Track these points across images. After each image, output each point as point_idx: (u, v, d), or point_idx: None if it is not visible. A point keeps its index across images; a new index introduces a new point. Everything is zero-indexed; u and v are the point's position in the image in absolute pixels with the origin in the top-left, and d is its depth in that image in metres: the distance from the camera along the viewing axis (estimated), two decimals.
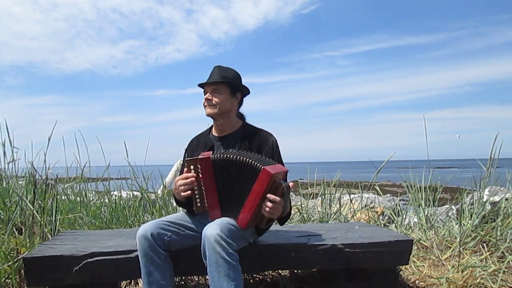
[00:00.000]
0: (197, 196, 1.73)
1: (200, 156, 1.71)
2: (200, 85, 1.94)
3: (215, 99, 1.87)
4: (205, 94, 1.90)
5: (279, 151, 1.91)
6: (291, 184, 1.65)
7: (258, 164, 1.62)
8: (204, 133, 2.04)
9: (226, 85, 1.89)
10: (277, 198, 1.59)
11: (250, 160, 1.64)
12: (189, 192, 1.71)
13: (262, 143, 1.88)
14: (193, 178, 1.70)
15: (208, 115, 1.90)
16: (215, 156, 1.70)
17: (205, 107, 1.90)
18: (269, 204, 1.59)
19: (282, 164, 1.87)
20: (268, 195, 1.60)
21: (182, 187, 1.71)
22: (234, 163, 1.67)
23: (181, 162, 2.07)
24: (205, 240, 1.54)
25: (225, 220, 1.64)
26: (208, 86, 1.90)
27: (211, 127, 2.02)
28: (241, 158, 1.66)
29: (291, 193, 1.69)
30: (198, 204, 1.74)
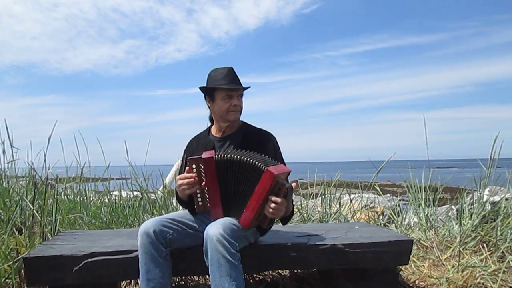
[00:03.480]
0: (198, 195, 1.73)
1: (203, 156, 1.70)
2: (228, 88, 1.85)
3: (240, 105, 1.89)
4: (229, 97, 1.85)
5: (280, 150, 1.92)
6: (293, 184, 1.65)
7: (261, 165, 1.61)
8: (203, 133, 2.03)
9: (242, 90, 1.92)
10: (280, 199, 1.59)
11: (253, 161, 1.63)
12: (191, 190, 1.71)
13: (263, 143, 1.88)
14: (195, 178, 1.70)
15: (235, 120, 1.90)
16: (218, 156, 1.69)
17: (230, 111, 1.86)
18: (272, 205, 1.59)
19: (284, 162, 1.88)
20: (271, 196, 1.60)
21: (185, 186, 1.71)
22: (238, 163, 1.67)
23: (180, 163, 2.06)
24: (208, 240, 1.54)
25: (227, 220, 1.64)
26: (237, 91, 1.87)
27: (210, 127, 2.02)
28: (244, 158, 1.65)
29: (292, 194, 1.70)
30: (200, 203, 1.74)
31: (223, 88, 1.84)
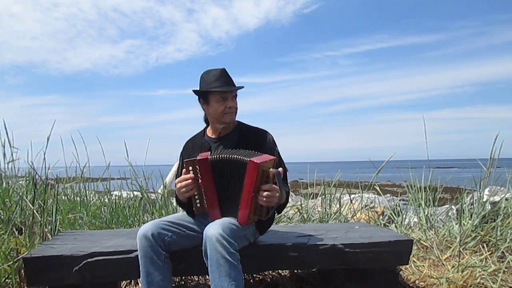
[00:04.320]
0: (196, 197, 1.74)
1: (198, 157, 1.72)
2: (222, 91, 1.83)
3: (235, 106, 1.88)
4: (224, 100, 1.83)
5: (277, 147, 1.92)
6: (280, 169, 1.65)
7: (244, 158, 1.64)
8: (199, 135, 2.03)
9: (236, 90, 1.90)
10: (271, 186, 1.61)
11: (237, 156, 1.66)
12: (190, 193, 1.72)
13: (260, 141, 1.88)
14: (191, 180, 1.71)
15: (231, 122, 1.89)
16: (213, 156, 1.70)
17: (226, 113, 1.84)
18: (264, 193, 1.60)
19: (282, 160, 1.89)
20: (261, 186, 1.62)
21: (183, 189, 1.72)
22: (227, 162, 1.69)
23: (178, 166, 2.06)
24: (207, 240, 1.54)
25: (226, 220, 1.64)
26: (231, 93, 1.86)
27: (205, 128, 2.02)
28: (231, 156, 1.68)
29: (291, 193, 1.70)
30: (198, 205, 1.75)
31: (217, 90, 1.83)
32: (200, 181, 1.71)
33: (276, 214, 1.92)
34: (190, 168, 1.72)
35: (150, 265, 1.62)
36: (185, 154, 1.98)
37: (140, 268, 1.63)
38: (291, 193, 1.71)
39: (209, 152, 1.76)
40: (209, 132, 1.97)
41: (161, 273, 1.63)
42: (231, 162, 1.68)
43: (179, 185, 1.73)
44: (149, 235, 1.62)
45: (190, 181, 1.71)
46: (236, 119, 1.98)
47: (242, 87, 1.90)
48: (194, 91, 1.90)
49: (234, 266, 1.52)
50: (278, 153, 1.90)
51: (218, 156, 1.70)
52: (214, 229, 1.54)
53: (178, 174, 1.96)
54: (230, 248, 1.52)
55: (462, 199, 3.31)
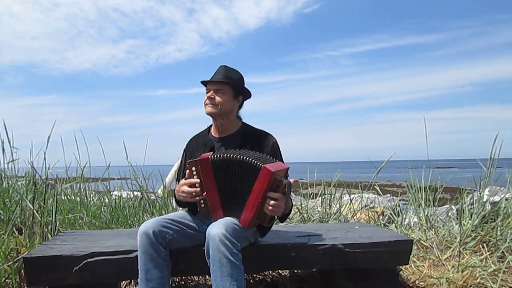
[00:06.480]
0: (200, 198, 1.73)
1: (201, 158, 1.71)
2: (203, 83, 1.92)
3: (217, 99, 1.85)
4: (207, 92, 1.89)
5: (280, 151, 1.91)
6: (292, 181, 1.65)
7: (258, 163, 1.61)
8: (203, 133, 2.02)
9: (230, 87, 1.88)
10: (279, 196, 1.59)
11: (250, 159, 1.63)
12: (192, 200, 1.72)
13: (263, 144, 1.88)
14: (198, 190, 1.70)
15: (208, 113, 1.88)
16: (215, 156, 1.70)
17: (206, 105, 1.88)
18: (271, 202, 1.59)
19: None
20: (270, 193, 1.60)
21: (185, 194, 1.72)
22: (234, 162, 1.67)
23: (180, 162, 2.06)
24: (210, 239, 1.54)
25: (229, 220, 1.64)
26: (212, 85, 1.88)
27: (210, 127, 2.01)
28: (241, 157, 1.65)
29: (291, 192, 1.70)
30: (202, 206, 1.74)
31: (202, 81, 1.92)
32: (203, 181, 1.71)
33: (278, 223, 1.93)
34: (193, 168, 1.71)
35: (149, 262, 1.61)
36: (188, 151, 1.98)
37: (139, 265, 1.63)
38: (291, 192, 1.70)
39: (212, 153, 1.75)
40: (213, 131, 1.98)
41: (160, 270, 1.62)
42: (241, 163, 1.66)
43: (183, 188, 1.72)
44: (150, 233, 1.62)
45: (196, 190, 1.70)
46: (242, 120, 1.98)
47: (224, 81, 1.86)
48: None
49: (236, 266, 1.52)
50: (281, 157, 1.89)
51: (222, 156, 1.69)
52: (217, 229, 1.54)
53: (180, 170, 1.96)
54: (233, 248, 1.52)
55: (462, 199, 3.31)
